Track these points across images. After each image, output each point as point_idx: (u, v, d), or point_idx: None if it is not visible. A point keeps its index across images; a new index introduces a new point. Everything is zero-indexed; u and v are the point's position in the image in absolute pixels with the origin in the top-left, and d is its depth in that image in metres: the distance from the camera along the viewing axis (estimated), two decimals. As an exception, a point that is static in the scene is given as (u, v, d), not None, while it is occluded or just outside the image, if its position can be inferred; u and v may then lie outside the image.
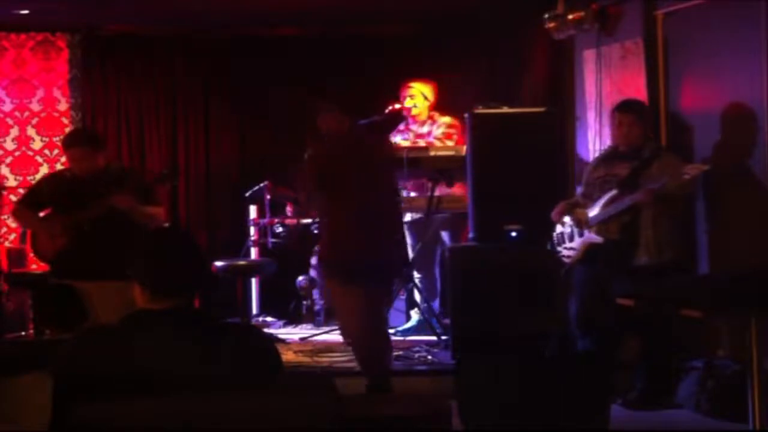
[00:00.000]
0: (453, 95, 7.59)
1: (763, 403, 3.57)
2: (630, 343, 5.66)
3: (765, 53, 5.17)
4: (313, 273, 7.62)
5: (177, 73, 8.33)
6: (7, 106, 8.07)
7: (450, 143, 7.06)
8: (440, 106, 7.38)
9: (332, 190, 5.13)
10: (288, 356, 6.35)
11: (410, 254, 7.10)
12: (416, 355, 6.39)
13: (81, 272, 5.42)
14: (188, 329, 2.80)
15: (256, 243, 7.77)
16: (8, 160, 8.06)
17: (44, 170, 8.04)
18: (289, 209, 7.75)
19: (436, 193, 6.77)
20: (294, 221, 7.51)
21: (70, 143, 5.68)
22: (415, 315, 7.24)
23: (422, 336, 6.94)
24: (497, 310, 6.05)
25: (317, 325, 7.59)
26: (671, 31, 5.99)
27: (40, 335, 6.69)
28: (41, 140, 8.12)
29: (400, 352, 6.41)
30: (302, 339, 7.10)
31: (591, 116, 6.68)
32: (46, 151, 8.13)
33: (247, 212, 7.91)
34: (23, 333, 6.97)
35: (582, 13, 6.46)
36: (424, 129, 7.28)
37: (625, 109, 5.60)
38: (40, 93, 8.11)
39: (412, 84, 7.28)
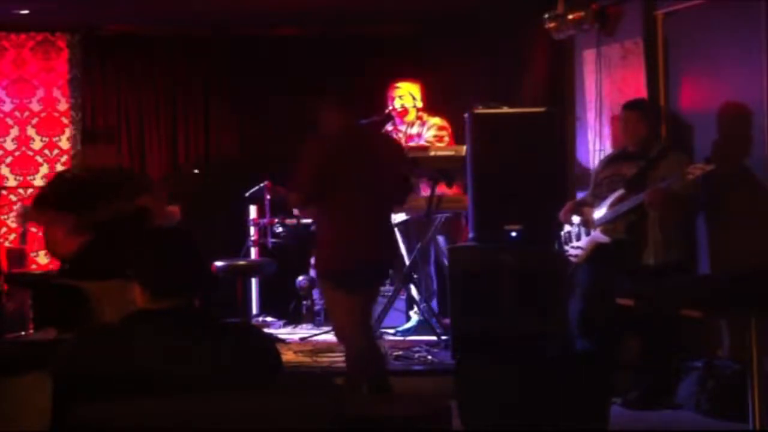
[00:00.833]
0: (453, 95, 7.59)
1: (763, 403, 3.57)
2: (630, 343, 5.66)
3: (765, 53, 5.17)
4: (313, 273, 7.61)
5: (177, 73, 8.34)
6: (7, 106, 8.08)
7: (440, 146, 7.03)
8: (440, 106, 7.38)
9: (331, 189, 5.00)
10: (288, 356, 6.35)
11: (405, 255, 7.11)
12: (416, 355, 6.38)
13: (97, 272, 5.42)
14: (188, 329, 2.80)
15: (256, 243, 7.76)
16: (8, 160, 8.06)
17: (44, 170, 8.05)
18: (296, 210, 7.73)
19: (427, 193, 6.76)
20: (294, 221, 7.50)
21: (97, 139, 5.72)
22: (414, 315, 7.24)
23: (422, 336, 6.95)
24: (497, 310, 6.05)
25: (317, 325, 7.59)
26: (671, 31, 5.99)
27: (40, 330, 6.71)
28: (41, 140, 8.12)
29: (400, 352, 6.41)
30: (302, 339, 7.10)
31: (591, 116, 6.68)
32: (46, 151, 8.13)
33: (247, 212, 7.91)
34: (23, 333, 6.97)
35: (582, 13, 6.46)
36: (414, 130, 7.25)
37: (630, 107, 5.62)
38: (40, 93, 8.11)
39: (400, 84, 7.27)
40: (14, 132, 8.10)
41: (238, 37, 8.30)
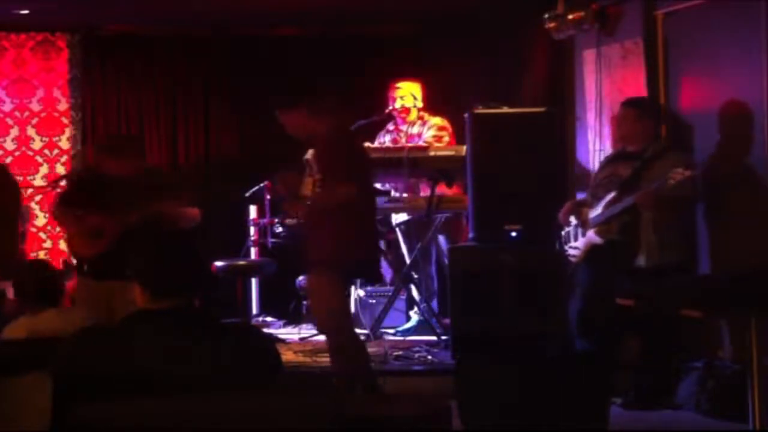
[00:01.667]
0: (453, 95, 7.59)
1: (763, 403, 3.57)
2: (630, 343, 5.66)
3: (765, 53, 5.17)
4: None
5: (177, 73, 8.34)
6: (7, 106, 8.08)
7: (440, 146, 7.03)
8: (440, 106, 7.38)
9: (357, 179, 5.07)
10: (288, 356, 6.35)
11: (406, 255, 7.13)
12: (416, 355, 6.39)
13: (117, 272, 5.38)
14: (188, 329, 2.80)
15: (256, 243, 7.77)
16: (8, 160, 8.05)
17: (44, 170, 8.06)
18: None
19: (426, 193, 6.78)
20: (294, 221, 7.50)
21: (124, 151, 5.61)
22: (414, 315, 7.24)
23: (422, 336, 6.95)
24: (497, 310, 6.05)
25: (317, 325, 7.59)
26: (671, 31, 5.99)
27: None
28: (41, 140, 8.12)
29: (400, 352, 6.41)
30: (302, 339, 7.10)
31: (591, 116, 6.68)
32: (46, 151, 8.13)
33: (247, 212, 7.91)
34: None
35: (582, 13, 6.45)
36: (414, 130, 7.24)
37: (627, 104, 5.62)
38: (40, 93, 8.11)
39: (401, 84, 7.27)
40: (14, 132, 8.10)
41: (238, 37, 8.30)
